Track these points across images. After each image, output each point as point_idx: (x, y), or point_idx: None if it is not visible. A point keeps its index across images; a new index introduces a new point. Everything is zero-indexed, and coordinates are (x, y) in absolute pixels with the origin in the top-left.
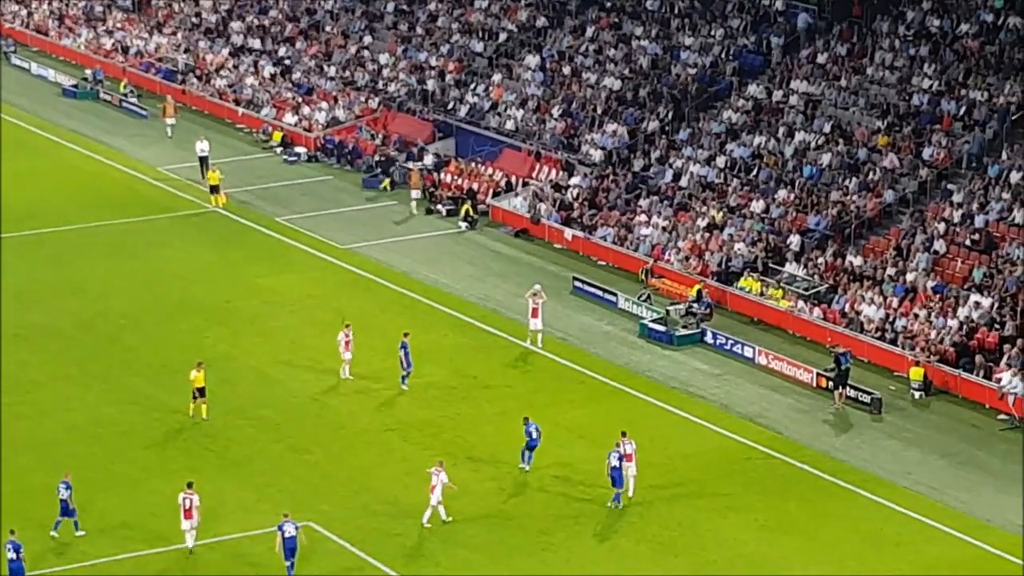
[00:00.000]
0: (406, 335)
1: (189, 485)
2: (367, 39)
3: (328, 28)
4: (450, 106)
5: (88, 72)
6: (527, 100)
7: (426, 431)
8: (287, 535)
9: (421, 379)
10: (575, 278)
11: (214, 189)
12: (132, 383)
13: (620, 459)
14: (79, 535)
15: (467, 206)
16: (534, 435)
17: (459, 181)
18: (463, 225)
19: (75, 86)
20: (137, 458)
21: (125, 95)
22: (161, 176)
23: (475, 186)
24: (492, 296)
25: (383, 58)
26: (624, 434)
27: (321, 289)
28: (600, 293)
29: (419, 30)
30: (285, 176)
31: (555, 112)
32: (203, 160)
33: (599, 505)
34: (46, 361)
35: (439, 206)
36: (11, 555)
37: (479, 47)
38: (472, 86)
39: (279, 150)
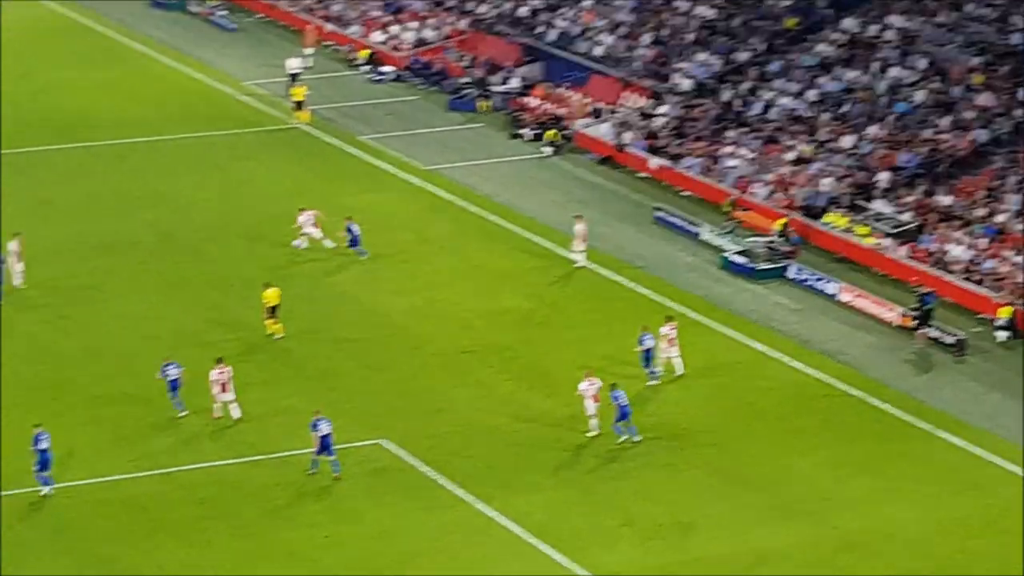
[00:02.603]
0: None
1: (219, 361)
2: None
3: None
4: (539, 30)
5: None
6: (617, 26)
7: (503, 355)
8: (322, 433)
9: (500, 303)
10: (658, 208)
11: (299, 105)
12: (212, 297)
13: (651, 344)
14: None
15: (552, 131)
16: (623, 402)
17: (545, 106)
18: (547, 150)
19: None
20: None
21: (214, 8)
22: (247, 90)
23: (561, 111)
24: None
25: None
26: (670, 318)
27: (403, 209)
28: (683, 224)
29: None
30: (371, 95)
31: (645, 39)
32: (294, 76)
33: (672, 437)
34: (128, 272)
35: (524, 130)
36: (43, 445)
37: None
38: (562, 10)
39: (366, 69)
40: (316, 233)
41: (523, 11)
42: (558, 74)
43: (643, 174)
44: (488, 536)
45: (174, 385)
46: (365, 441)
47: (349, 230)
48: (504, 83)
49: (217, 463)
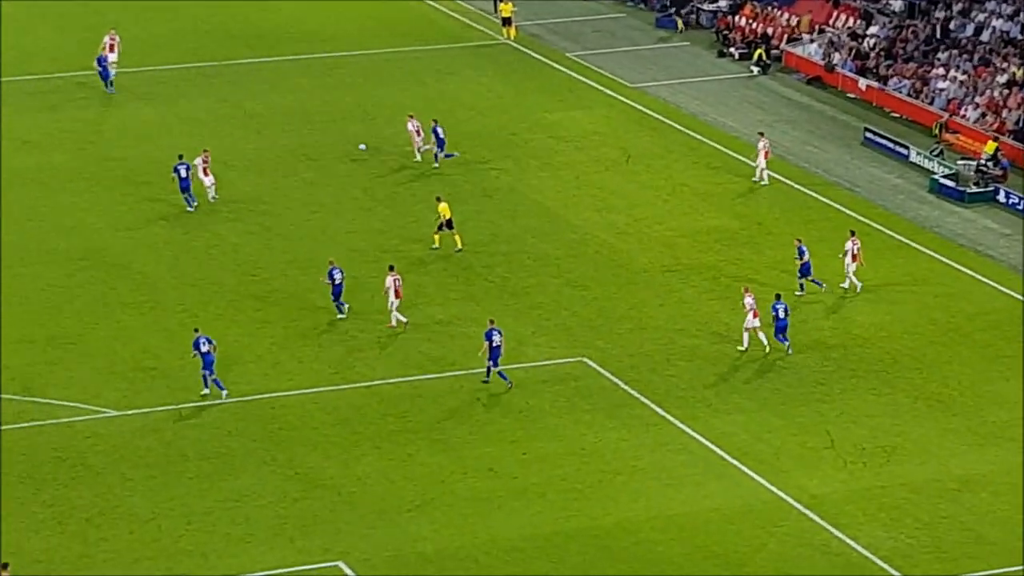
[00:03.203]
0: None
1: (391, 268)
2: None
3: None
4: None
5: None
6: None
7: (706, 274)
8: (495, 344)
9: (704, 222)
10: (867, 129)
11: (506, 22)
12: (416, 210)
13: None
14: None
15: (760, 50)
16: (781, 315)
17: (753, 25)
18: (755, 69)
19: None
20: (416, 284)
21: None
22: (454, 6)
23: (769, 31)
24: (780, 143)
25: None
26: (853, 233)
27: (608, 127)
28: (891, 146)
29: None
30: (577, 12)
31: None
32: None
33: (877, 361)
34: (333, 183)
35: (731, 49)
36: (205, 348)
37: None
38: None
39: None
40: (419, 141)
41: None
42: None
43: (852, 95)
44: (689, 456)
45: (337, 291)
46: (566, 359)
47: (435, 133)
48: (712, 1)
49: (419, 377)
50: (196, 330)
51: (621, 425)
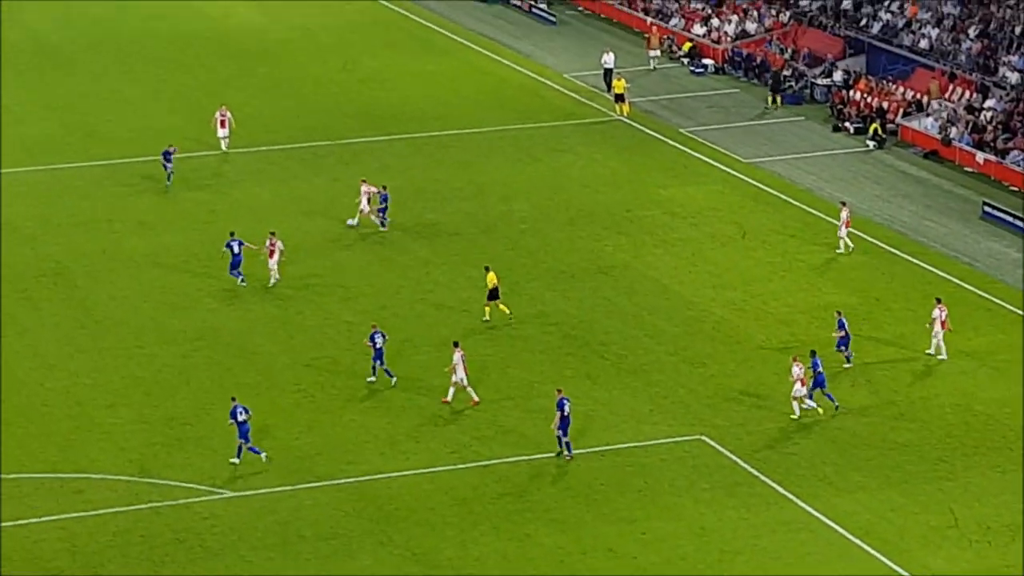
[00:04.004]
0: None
1: (456, 345)
2: None
3: None
4: (862, 22)
5: None
6: (943, 19)
7: (823, 351)
8: (565, 413)
9: (821, 298)
10: (985, 203)
11: (619, 98)
12: (531, 288)
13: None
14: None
15: (876, 125)
16: (819, 368)
17: (868, 99)
18: (871, 144)
19: None
20: (532, 363)
21: (536, 1)
22: (567, 83)
23: (885, 105)
24: (897, 217)
25: None
26: (939, 300)
27: (722, 202)
28: (1011, 220)
29: None
30: (691, 87)
31: (971, 32)
32: (608, 72)
33: (1000, 438)
34: (447, 261)
35: (847, 123)
36: (242, 417)
37: None
38: (886, 3)
39: (686, 61)
40: (366, 207)
41: (846, 3)
42: (882, 67)
43: (969, 169)
44: (810, 535)
45: (378, 355)
46: (684, 436)
47: (383, 198)
48: (827, 76)
49: (536, 456)
50: (233, 399)
51: (741, 504)
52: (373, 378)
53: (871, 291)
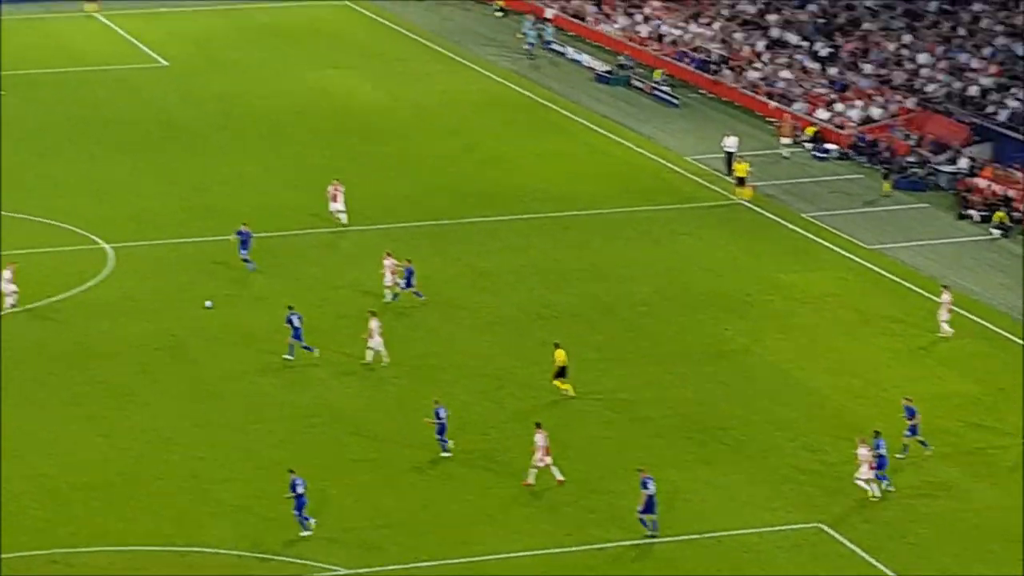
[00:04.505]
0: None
1: (538, 426)
2: (906, 38)
3: (866, 25)
4: (989, 110)
5: (621, 58)
6: None
7: (945, 440)
8: (649, 492)
9: (944, 387)
10: None
11: (740, 181)
12: (650, 371)
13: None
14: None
15: (1001, 213)
16: (883, 450)
17: (994, 187)
18: (996, 232)
19: (608, 72)
20: (650, 446)
21: (658, 83)
22: (688, 166)
23: (1011, 193)
24: (1020, 306)
25: (922, 57)
26: None
27: (844, 288)
28: None
29: (961, 31)
30: (814, 172)
31: None
32: (730, 156)
33: None
34: (567, 344)
35: (971, 211)
36: (300, 490)
37: (1023, 50)
38: (1014, 90)
39: (809, 146)
40: (390, 280)
41: (973, 90)
42: (1008, 155)
43: None
44: None
45: (441, 428)
46: (802, 524)
47: (408, 272)
48: (952, 163)
49: (653, 540)
50: (291, 471)
51: None
52: (448, 453)
53: (994, 381)
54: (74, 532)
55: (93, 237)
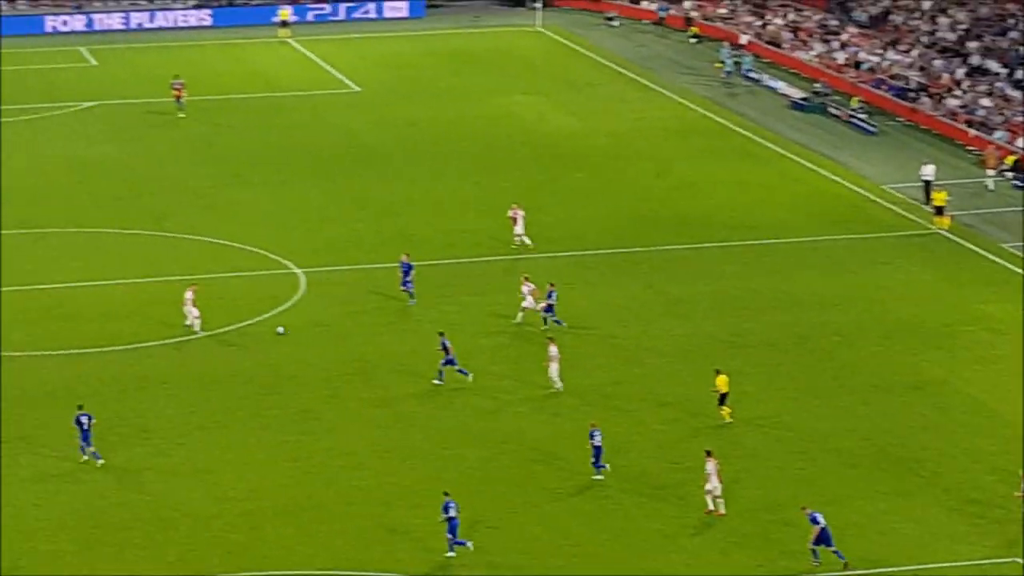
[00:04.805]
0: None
1: (708, 453)
2: None
3: None
4: None
5: (817, 85)
6: None
7: None
8: (821, 525)
9: None
10: None
11: (939, 211)
12: (844, 401)
13: None
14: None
15: None
16: None
17: None
18: None
19: (804, 99)
20: (845, 476)
21: (855, 111)
22: (885, 194)
23: None
24: None
25: None
26: None
27: None
28: None
29: None
30: (1014, 201)
31: None
32: (927, 184)
33: None
34: (761, 373)
35: None
36: (452, 513)
37: None
38: None
39: (1009, 175)
40: (531, 303)
41: None
42: None
43: None
44: None
45: (597, 452)
46: (1001, 559)
47: (549, 295)
48: None
49: (852, 572)
50: (446, 493)
51: None
52: (600, 476)
53: None
54: (265, 555)
55: (285, 262)
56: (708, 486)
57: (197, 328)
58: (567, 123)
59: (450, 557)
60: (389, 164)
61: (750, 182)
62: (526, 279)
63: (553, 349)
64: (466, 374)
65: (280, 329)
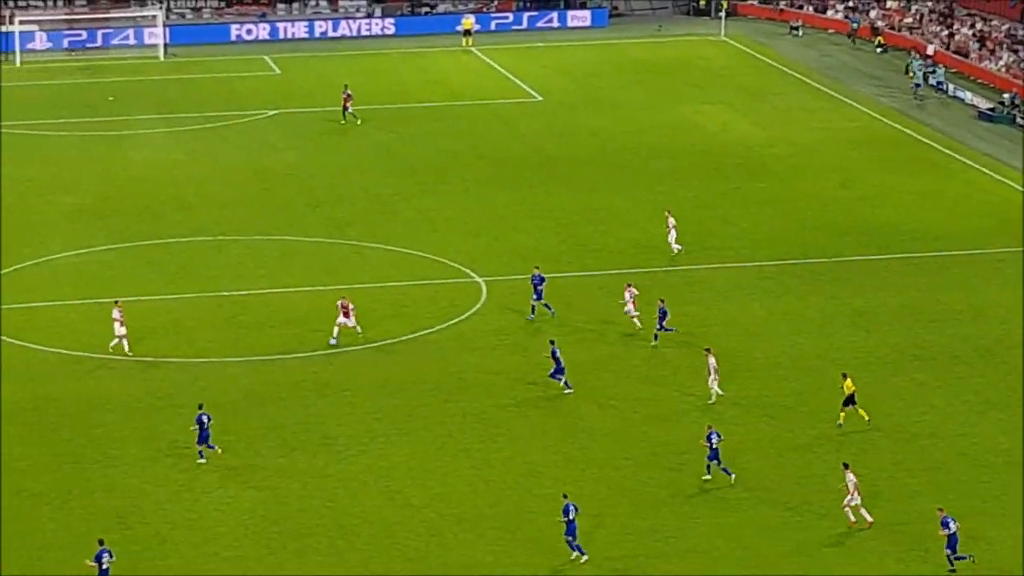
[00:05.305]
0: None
1: (846, 466)
2: None
3: None
4: None
5: (1006, 96)
6: None
7: None
8: (951, 531)
9: None
10: None
11: None
12: None
13: None
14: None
15: None
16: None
17: None
18: None
19: (991, 109)
20: None
21: None
22: None
23: None
24: None
25: None
26: None
27: None
28: None
29: None
30: None
31: None
32: None
33: None
34: (946, 386)
35: None
36: (572, 515)
37: None
38: None
39: None
40: (632, 310)
41: None
42: None
43: None
44: None
45: (714, 453)
46: None
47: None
48: None
49: None
50: (565, 496)
51: None
52: (708, 476)
53: None
54: (446, 563)
55: (466, 270)
56: (848, 500)
57: (351, 329)
58: (750, 133)
59: (575, 559)
60: (571, 173)
61: (935, 193)
62: (629, 286)
63: (712, 360)
64: (569, 388)
65: (332, 341)
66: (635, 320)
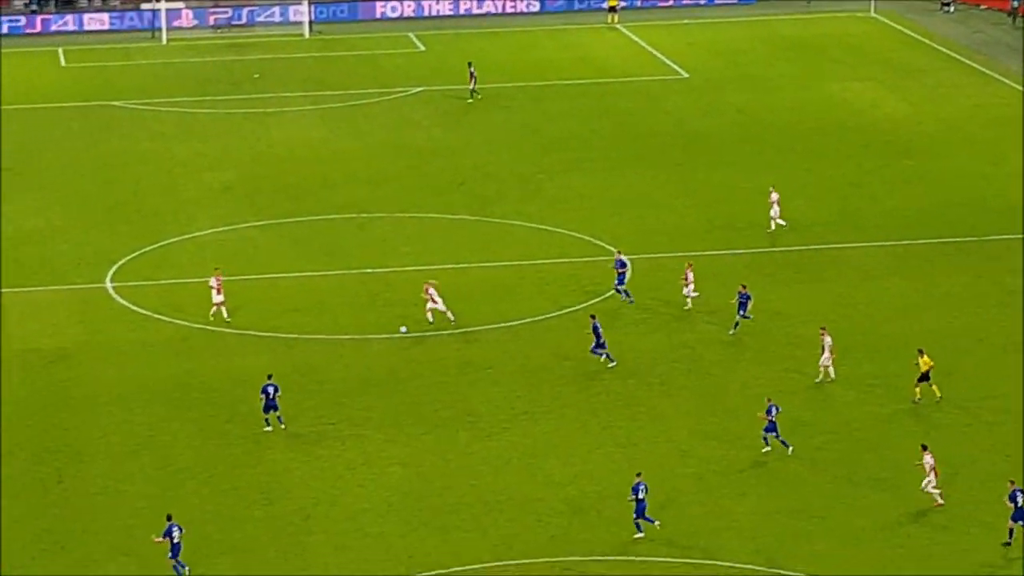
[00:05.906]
0: None
1: (924, 447)
2: None
3: None
4: None
5: None
6: None
7: None
8: (1019, 503)
9: None
10: None
11: None
12: None
13: None
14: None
15: None
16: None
17: None
18: None
19: None
20: None
21: None
22: None
23: None
24: None
25: None
26: None
27: None
28: None
29: None
30: None
31: None
32: None
33: None
34: None
35: None
36: (642, 495)
37: None
38: None
39: None
40: (690, 290)
41: None
42: None
43: None
44: None
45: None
46: None
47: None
48: None
49: None
50: (638, 474)
51: None
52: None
53: None
54: (588, 540)
55: (611, 248)
56: (925, 481)
57: (438, 317)
58: (899, 109)
59: (638, 538)
60: (718, 152)
61: None
62: (690, 265)
63: (827, 339)
64: (612, 360)
65: (403, 329)
66: (688, 300)
